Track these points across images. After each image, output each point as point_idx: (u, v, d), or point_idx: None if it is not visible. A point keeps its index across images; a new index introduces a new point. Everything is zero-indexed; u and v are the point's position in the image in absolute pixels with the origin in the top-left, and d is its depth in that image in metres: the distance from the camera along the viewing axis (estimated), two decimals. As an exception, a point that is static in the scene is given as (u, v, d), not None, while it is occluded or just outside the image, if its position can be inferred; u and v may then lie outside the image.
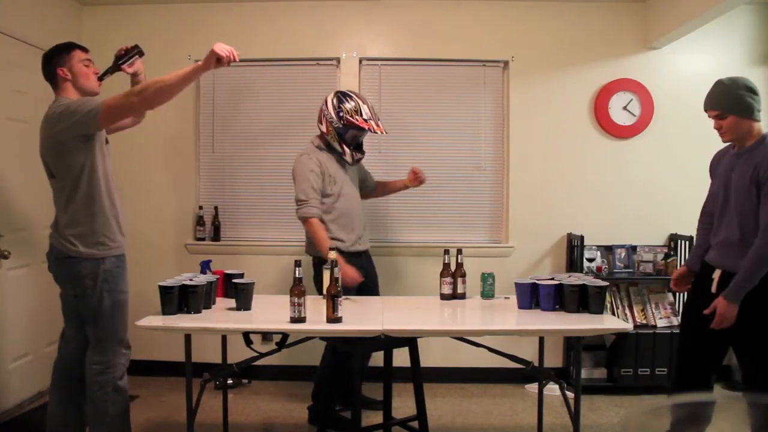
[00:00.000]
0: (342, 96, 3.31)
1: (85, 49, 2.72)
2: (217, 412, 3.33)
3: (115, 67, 2.76)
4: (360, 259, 3.38)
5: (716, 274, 2.58)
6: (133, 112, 2.57)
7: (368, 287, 3.40)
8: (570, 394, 2.66)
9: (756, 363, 2.47)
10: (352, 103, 3.27)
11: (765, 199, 2.39)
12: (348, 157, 3.32)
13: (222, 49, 2.44)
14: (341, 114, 3.25)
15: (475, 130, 4.22)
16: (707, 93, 2.60)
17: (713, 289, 2.58)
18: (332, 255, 2.62)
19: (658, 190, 4.12)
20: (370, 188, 3.65)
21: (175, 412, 3.52)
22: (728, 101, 2.51)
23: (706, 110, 2.60)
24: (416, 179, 3.52)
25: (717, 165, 2.72)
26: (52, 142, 2.56)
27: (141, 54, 2.81)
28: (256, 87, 4.24)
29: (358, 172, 3.53)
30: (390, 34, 4.19)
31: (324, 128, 3.32)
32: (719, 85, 2.56)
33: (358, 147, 3.39)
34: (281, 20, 4.15)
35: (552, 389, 3.63)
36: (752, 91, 2.52)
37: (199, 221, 4.19)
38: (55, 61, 2.65)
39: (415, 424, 2.83)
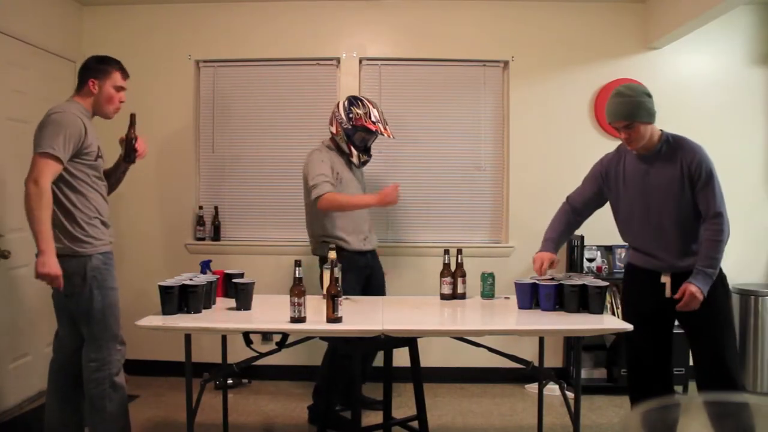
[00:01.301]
0: (354, 100, 3.41)
1: (125, 74, 2.77)
2: (217, 412, 3.33)
3: (127, 145, 2.84)
4: (365, 258, 3.42)
5: (666, 279, 2.64)
6: (26, 191, 2.50)
7: (375, 287, 3.45)
8: (570, 394, 2.66)
9: (725, 350, 2.55)
10: (363, 107, 3.37)
11: (704, 190, 2.52)
12: (355, 159, 3.39)
13: (48, 269, 2.47)
14: (351, 116, 3.34)
15: (475, 130, 4.22)
16: (609, 106, 2.62)
17: (668, 293, 2.62)
18: (332, 255, 2.62)
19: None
20: None
21: (175, 412, 3.52)
22: (634, 110, 2.55)
23: (613, 122, 2.62)
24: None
25: (610, 172, 2.76)
26: (36, 139, 2.60)
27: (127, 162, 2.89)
28: (256, 87, 4.24)
29: (363, 178, 3.58)
30: (390, 34, 4.19)
31: (334, 129, 3.40)
32: (621, 95, 2.59)
33: (366, 150, 3.46)
34: (281, 20, 4.15)
35: (552, 389, 3.63)
36: (650, 95, 2.60)
37: (199, 221, 4.19)
38: (93, 72, 2.70)
39: (415, 424, 2.82)
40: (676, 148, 2.59)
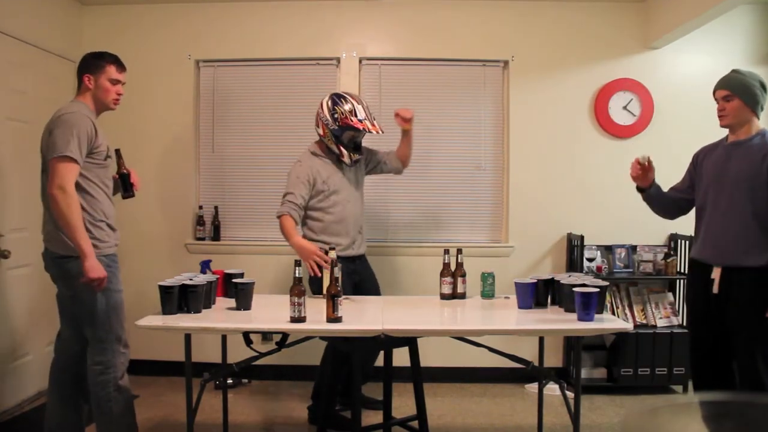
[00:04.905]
0: (337, 98, 3.30)
1: (121, 68, 2.77)
2: (217, 412, 3.33)
3: (123, 181, 2.85)
4: (353, 263, 3.34)
5: (716, 273, 2.58)
6: (52, 198, 2.49)
7: (366, 293, 3.35)
8: (570, 394, 2.66)
9: (758, 353, 2.48)
10: (347, 105, 3.26)
11: None
12: (346, 159, 3.30)
13: (96, 273, 2.51)
14: (336, 116, 3.25)
15: (475, 130, 4.21)
16: (721, 78, 2.66)
17: (715, 289, 2.57)
18: (332, 255, 2.63)
19: (658, 190, 4.11)
20: (393, 164, 3.54)
21: (175, 411, 3.52)
22: (739, 86, 2.58)
23: (715, 90, 2.66)
24: (403, 120, 3.40)
25: (703, 159, 2.75)
26: (44, 142, 2.61)
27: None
28: (256, 87, 4.24)
29: (361, 170, 3.47)
30: (390, 34, 4.19)
31: (321, 131, 3.32)
32: (735, 71, 2.65)
33: (356, 148, 3.36)
34: (281, 20, 4.15)
35: (552, 389, 3.63)
36: (764, 87, 2.60)
37: (199, 221, 4.19)
38: (86, 67, 2.71)
39: (415, 424, 2.83)
40: (766, 141, 2.56)
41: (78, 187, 2.56)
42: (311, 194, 3.27)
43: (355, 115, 3.24)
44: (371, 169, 3.55)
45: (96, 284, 2.53)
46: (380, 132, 3.33)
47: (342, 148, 3.28)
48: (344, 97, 3.29)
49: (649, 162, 2.76)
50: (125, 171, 2.85)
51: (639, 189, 2.86)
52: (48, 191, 2.52)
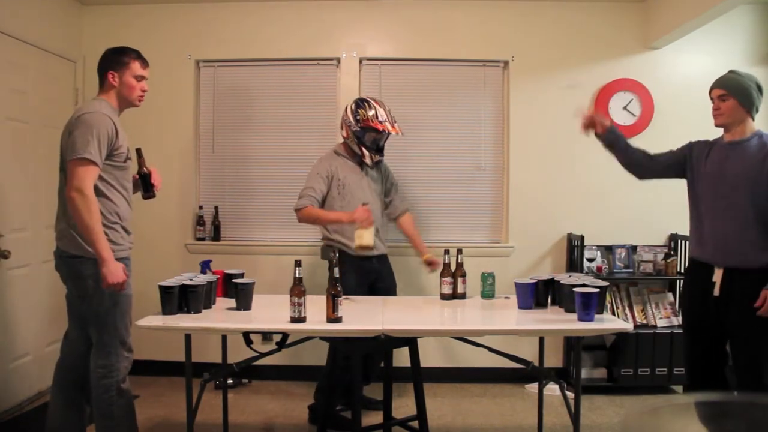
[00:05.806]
0: (361, 102, 3.44)
1: (145, 63, 2.71)
2: (217, 412, 3.33)
3: (144, 182, 2.82)
4: (370, 262, 3.40)
5: (718, 275, 2.57)
6: (70, 201, 2.46)
7: (382, 291, 3.41)
8: (570, 394, 2.66)
9: (761, 353, 2.48)
10: (370, 108, 3.40)
11: None
12: (367, 159, 3.43)
13: (114, 278, 2.49)
14: (358, 117, 3.38)
15: (475, 130, 4.21)
16: (718, 78, 2.67)
17: (716, 291, 2.56)
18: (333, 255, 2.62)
19: (658, 190, 4.09)
20: (394, 209, 3.62)
21: (175, 411, 3.52)
22: (736, 86, 2.59)
23: (711, 90, 2.66)
24: (430, 265, 3.45)
25: (699, 157, 2.73)
26: (64, 141, 2.58)
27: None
28: (256, 87, 4.24)
29: (382, 180, 3.57)
30: (390, 34, 4.19)
31: (344, 133, 3.45)
32: (733, 72, 2.66)
33: (379, 150, 3.48)
34: (281, 20, 4.15)
35: (552, 389, 3.63)
36: (759, 89, 2.61)
37: (199, 221, 4.19)
38: (110, 63, 2.66)
39: (415, 424, 2.83)
40: (765, 142, 2.57)
41: (94, 188, 2.52)
42: (328, 189, 3.38)
43: (377, 118, 3.37)
44: (383, 191, 3.62)
45: (116, 289, 2.52)
46: (400, 133, 3.46)
47: (364, 149, 3.40)
48: (368, 102, 3.44)
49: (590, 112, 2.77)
50: (146, 171, 2.80)
51: (597, 135, 2.86)
52: (66, 193, 2.49)
